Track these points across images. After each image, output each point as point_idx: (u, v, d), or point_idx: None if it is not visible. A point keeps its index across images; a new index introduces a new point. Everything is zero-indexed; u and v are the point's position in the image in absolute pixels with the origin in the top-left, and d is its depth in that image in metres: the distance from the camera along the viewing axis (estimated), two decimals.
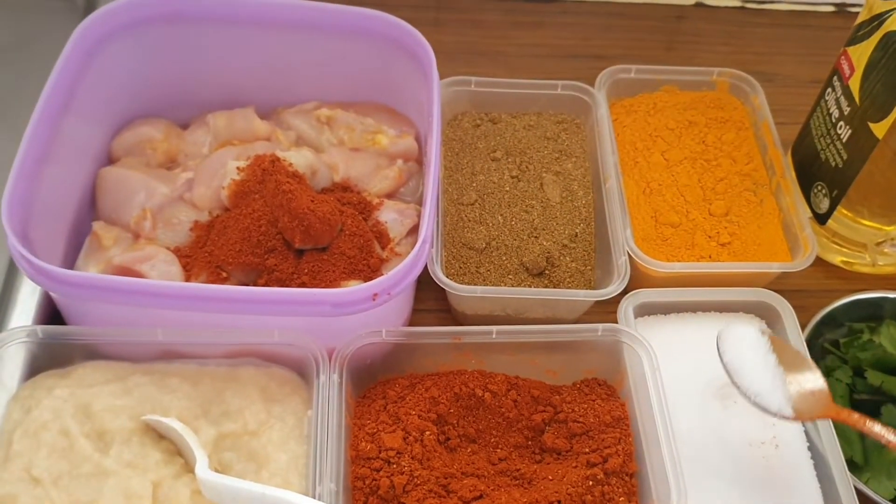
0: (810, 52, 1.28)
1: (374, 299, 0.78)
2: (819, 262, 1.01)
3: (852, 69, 0.93)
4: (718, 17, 1.31)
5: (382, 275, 0.88)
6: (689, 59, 1.25)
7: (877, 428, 0.76)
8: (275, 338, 0.81)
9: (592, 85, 1.07)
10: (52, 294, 0.86)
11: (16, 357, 0.80)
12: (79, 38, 0.89)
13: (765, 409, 0.79)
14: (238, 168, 0.90)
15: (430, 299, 0.97)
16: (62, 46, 0.89)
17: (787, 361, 0.81)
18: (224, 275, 0.86)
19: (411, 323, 0.94)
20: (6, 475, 0.73)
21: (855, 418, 0.77)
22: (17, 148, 0.81)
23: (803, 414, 0.79)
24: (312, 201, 0.88)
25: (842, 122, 0.95)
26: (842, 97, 0.95)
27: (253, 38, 0.98)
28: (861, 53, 0.91)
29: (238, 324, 0.81)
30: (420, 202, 0.98)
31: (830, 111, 0.97)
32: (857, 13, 0.94)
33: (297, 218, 0.86)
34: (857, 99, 0.92)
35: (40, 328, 0.80)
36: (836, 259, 1.03)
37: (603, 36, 1.27)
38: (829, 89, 0.98)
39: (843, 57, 0.95)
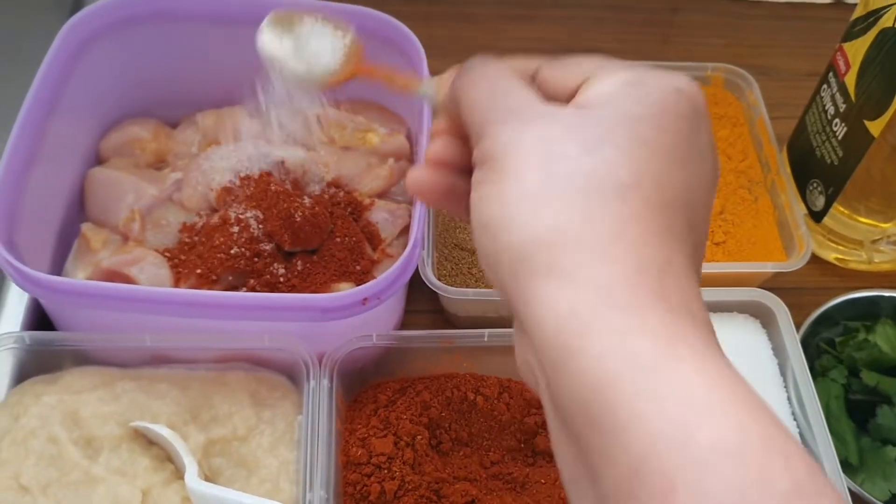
0: (807, 44, 1.27)
1: (364, 304, 0.77)
2: (814, 260, 1.00)
3: (848, 66, 0.92)
4: (714, 8, 1.30)
5: (373, 277, 0.88)
6: (684, 52, 1.24)
7: None
8: (265, 342, 0.80)
9: None
10: (39, 299, 0.85)
11: (3, 363, 0.79)
12: (65, 37, 0.88)
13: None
14: (232, 171, 0.89)
15: (421, 300, 0.96)
16: (49, 44, 0.88)
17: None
18: (213, 277, 0.85)
19: (403, 324, 0.94)
20: None
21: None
22: (3, 145, 0.80)
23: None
24: (302, 203, 0.87)
25: (837, 119, 0.94)
26: (837, 94, 0.94)
27: (240, 35, 0.95)
28: (857, 50, 0.90)
29: (227, 328, 0.80)
30: (411, 202, 0.97)
31: (826, 108, 0.96)
32: (855, 5, 0.93)
33: (286, 221, 0.85)
34: (852, 96, 0.91)
35: (28, 334, 0.79)
36: (831, 256, 1.03)
37: (596, 29, 1.26)
38: (825, 85, 0.97)
39: (838, 53, 0.94)
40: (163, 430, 0.75)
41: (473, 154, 0.43)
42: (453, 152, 0.48)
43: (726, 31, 1.27)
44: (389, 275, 0.78)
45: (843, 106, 0.93)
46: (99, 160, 0.97)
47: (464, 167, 0.47)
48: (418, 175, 0.48)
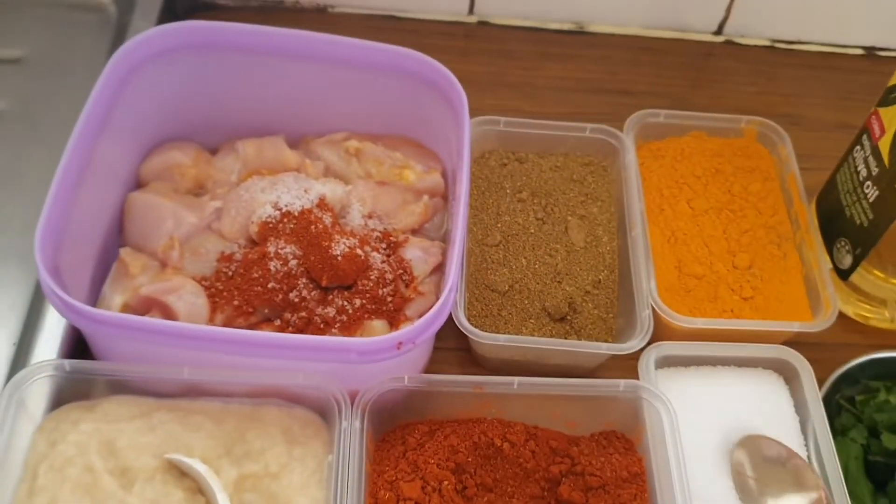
0: (838, 95, 1.28)
1: (398, 348, 0.79)
2: (839, 316, 1.01)
3: (882, 130, 0.93)
4: (747, 55, 1.31)
5: (405, 314, 0.90)
6: (716, 98, 1.25)
7: None
8: (299, 380, 0.81)
9: (619, 121, 1.07)
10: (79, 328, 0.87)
11: (42, 389, 0.80)
12: (115, 64, 0.89)
13: None
14: (273, 206, 0.90)
15: (450, 338, 0.97)
16: (94, 59, 0.89)
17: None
18: (250, 309, 0.87)
19: (431, 362, 0.95)
20: None
21: None
22: (45, 161, 0.81)
23: None
24: (341, 241, 0.88)
25: (869, 182, 0.95)
26: (870, 157, 0.95)
27: (283, 68, 0.98)
28: (893, 116, 0.91)
29: (264, 365, 0.82)
30: (444, 238, 0.98)
31: (858, 169, 0.97)
32: (887, 58, 0.94)
33: (325, 259, 0.86)
34: (885, 161, 0.92)
35: (68, 362, 0.80)
36: (851, 311, 1.04)
37: (630, 70, 1.27)
38: (858, 147, 0.98)
39: (873, 116, 0.95)
40: (197, 465, 0.76)
41: None
42: None
43: (758, 78, 1.28)
44: (425, 320, 0.79)
45: (876, 170, 0.94)
46: (139, 184, 0.98)
47: None
48: None
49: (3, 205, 1.02)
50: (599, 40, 1.30)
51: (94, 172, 0.88)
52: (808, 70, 1.31)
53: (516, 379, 0.84)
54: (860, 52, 1.33)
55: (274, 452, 0.80)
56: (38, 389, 0.80)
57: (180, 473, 0.79)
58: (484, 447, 0.83)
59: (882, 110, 0.94)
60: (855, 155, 0.99)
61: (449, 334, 0.97)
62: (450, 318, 0.88)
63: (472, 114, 0.93)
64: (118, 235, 0.95)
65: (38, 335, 0.90)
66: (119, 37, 1.09)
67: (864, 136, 0.97)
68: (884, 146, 0.93)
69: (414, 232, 0.98)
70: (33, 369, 0.79)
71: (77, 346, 0.90)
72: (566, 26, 1.30)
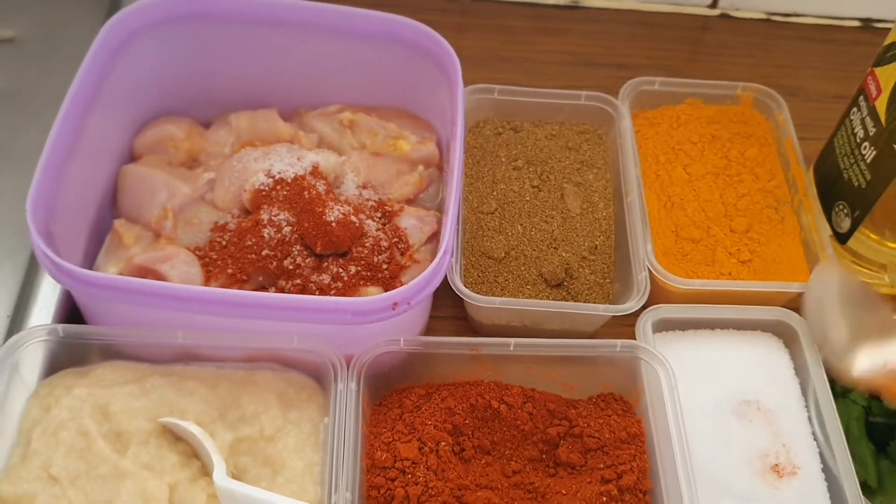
0: (835, 66, 1.27)
1: (393, 308, 0.78)
2: None
3: (879, 90, 0.93)
4: (743, 28, 1.31)
5: (401, 281, 0.89)
6: (713, 71, 1.24)
7: None
8: (294, 343, 0.81)
9: (615, 94, 1.06)
10: (72, 292, 0.86)
11: (36, 355, 0.80)
12: (106, 36, 0.89)
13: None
14: (266, 173, 0.90)
15: (446, 306, 0.97)
16: (88, 39, 0.88)
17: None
18: (244, 277, 0.86)
19: (428, 330, 0.95)
20: (25, 473, 0.74)
21: None
22: (40, 140, 0.80)
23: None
24: (335, 207, 0.88)
25: (866, 143, 0.94)
26: (867, 118, 0.94)
27: (278, 39, 0.98)
28: (889, 75, 0.91)
29: (257, 328, 0.81)
30: (439, 208, 0.98)
31: (855, 131, 0.97)
32: (883, 29, 0.94)
33: (319, 225, 0.86)
34: (882, 120, 0.91)
35: (61, 327, 0.80)
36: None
37: (626, 44, 1.26)
38: (855, 109, 0.97)
39: (870, 77, 0.95)
40: (192, 427, 0.76)
41: None
42: None
43: (755, 51, 1.28)
44: (420, 280, 0.79)
45: (873, 130, 0.93)
46: (132, 157, 0.98)
47: None
48: None
49: None
50: (595, 14, 1.29)
51: (87, 144, 0.87)
52: (804, 42, 1.30)
53: (512, 340, 0.83)
54: (856, 23, 1.32)
55: (269, 416, 0.79)
56: (32, 357, 0.80)
57: (175, 438, 0.78)
58: (481, 409, 0.83)
59: (878, 70, 0.93)
60: (852, 117, 0.98)
61: (446, 303, 0.97)
62: (446, 287, 0.88)
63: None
64: (112, 208, 0.95)
65: (32, 308, 0.89)
66: (112, 14, 1.09)
67: (861, 98, 0.96)
68: (880, 106, 0.92)
69: (409, 202, 0.97)
70: (27, 334, 0.79)
71: (71, 318, 0.90)
72: (562, 1, 1.30)
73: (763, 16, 1.32)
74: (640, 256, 0.92)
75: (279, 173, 0.90)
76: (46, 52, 1.11)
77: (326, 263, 0.88)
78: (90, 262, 0.90)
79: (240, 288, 0.86)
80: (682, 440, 0.79)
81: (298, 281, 0.86)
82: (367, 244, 0.89)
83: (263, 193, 0.89)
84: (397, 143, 1.00)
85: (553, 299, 0.92)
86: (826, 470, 0.85)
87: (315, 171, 0.92)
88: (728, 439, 0.86)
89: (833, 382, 0.90)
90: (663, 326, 0.92)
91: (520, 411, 0.83)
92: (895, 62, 0.90)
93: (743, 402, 0.88)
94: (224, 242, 0.89)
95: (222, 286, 0.86)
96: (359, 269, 0.87)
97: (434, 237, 0.93)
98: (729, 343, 0.92)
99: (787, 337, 0.93)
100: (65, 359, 0.81)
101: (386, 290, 0.88)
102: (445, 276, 0.85)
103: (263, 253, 0.86)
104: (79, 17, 1.14)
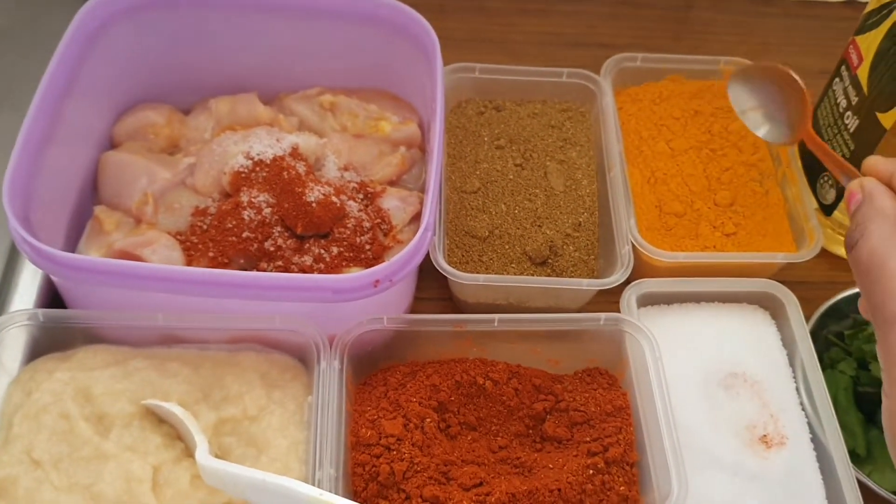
0: (819, 42, 1.27)
1: (375, 286, 0.78)
2: (824, 254, 1.01)
3: (860, 59, 0.92)
4: (727, 6, 1.30)
5: (384, 262, 0.89)
6: (697, 49, 1.24)
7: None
8: (276, 323, 0.80)
9: (598, 74, 1.06)
10: (53, 277, 0.86)
11: (17, 340, 0.80)
12: (81, 21, 0.89)
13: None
14: (245, 155, 0.89)
15: (431, 287, 0.96)
16: (65, 28, 0.88)
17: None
18: (225, 260, 0.86)
19: (412, 310, 0.94)
20: (6, 457, 0.73)
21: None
22: (18, 131, 0.80)
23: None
24: (315, 188, 0.87)
25: (849, 113, 0.94)
26: (850, 87, 0.94)
27: (256, 23, 0.98)
28: (870, 43, 0.91)
29: (239, 309, 0.81)
30: (422, 189, 0.97)
31: (838, 101, 0.96)
32: (866, 3, 0.93)
33: (299, 205, 0.86)
34: (865, 89, 0.91)
35: (41, 311, 0.79)
36: (841, 250, 1.03)
37: (609, 24, 1.26)
38: (837, 79, 0.97)
39: (851, 46, 0.95)
40: (174, 408, 0.76)
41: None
42: None
43: (739, 28, 1.28)
44: (401, 258, 0.78)
45: (856, 99, 0.93)
46: (112, 144, 0.98)
47: None
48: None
49: None
50: None
51: (66, 131, 0.87)
52: (788, 19, 1.30)
53: (497, 316, 0.83)
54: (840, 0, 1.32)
55: (252, 396, 0.79)
56: (13, 342, 0.79)
57: (158, 420, 0.78)
58: (466, 386, 0.82)
59: (859, 38, 0.93)
60: (834, 88, 0.98)
61: (431, 285, 0.96)
62: (431, 269, 0.88)
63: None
64: (93, 195, 0.94)
65: (13, 295, 0.89)
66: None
67: (843, 67, 0.96)
68: (862, 74, 0.92)
69: (391, 183, 0.97)
70: (7, 318, 0.79)
71: (53, 304, 0.89)
72: None
73: None
74: (623, 231, 0.92)
75: (258, 155, 0.89)
76: (24, 40, 1.11)
77: (308, 245, 0.87)
78: (72, 249, 0.89)
79: None
80: (668, 412, 0.79)
81: (280, 263, 0.86)
82: (349, 225, 0.88)
83: (243, 175, 0.89)
84: (378, 124, 1.00)
85: (538, 275, 0.92)
86: (815, 440, 0.85)
87: (295, 153, 0.91)
88: (716, 411, 0.85)
89: (821, 354, 0.90)
90: (649, 301, 0.92)
91: (505, 387, 0.83)
92: (876, 30, 0.90)
93: (730, 375, 0.88)
94: (205, 226, 0.88)
95: None
96: (341, 249, 0.87)
97: (417, 218, 0.93)
98: (715, 316, 0.92)
99: (773, 309, 0.93)
100: (46, 344, 0.81)
101: None
102: (429, 256, 0.85)
103: (244, 235, 0.86)
104: (58, 4, 1.13)
